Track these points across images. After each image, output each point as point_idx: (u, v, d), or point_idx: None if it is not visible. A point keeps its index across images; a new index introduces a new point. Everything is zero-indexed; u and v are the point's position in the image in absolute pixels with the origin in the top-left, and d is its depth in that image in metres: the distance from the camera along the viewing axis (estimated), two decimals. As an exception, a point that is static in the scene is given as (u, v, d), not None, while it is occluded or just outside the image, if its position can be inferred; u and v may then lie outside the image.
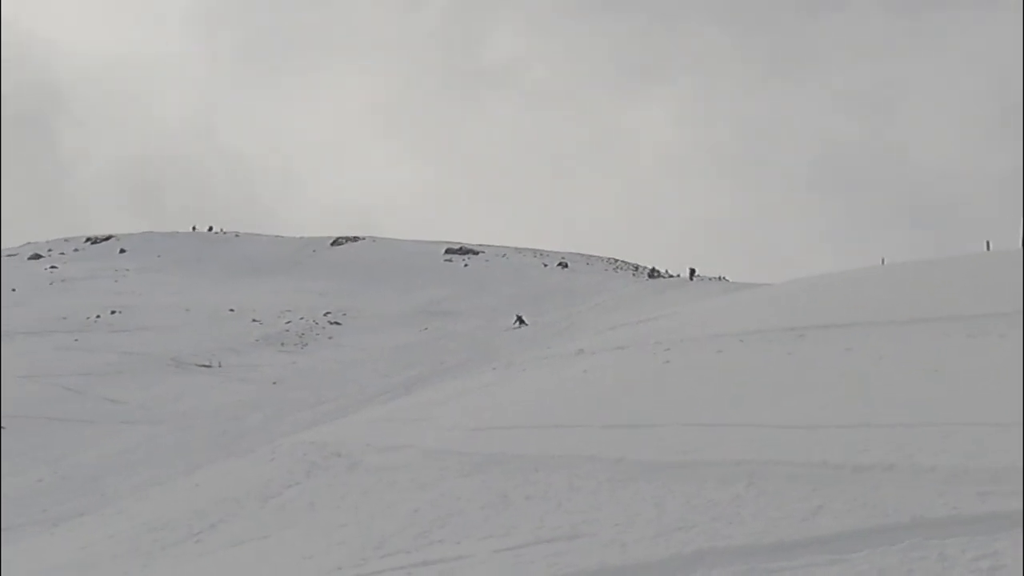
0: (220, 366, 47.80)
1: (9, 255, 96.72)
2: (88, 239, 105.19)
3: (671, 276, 79.47)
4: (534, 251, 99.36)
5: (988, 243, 41.82)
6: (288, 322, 60.39)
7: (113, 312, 61.36)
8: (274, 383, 44.09)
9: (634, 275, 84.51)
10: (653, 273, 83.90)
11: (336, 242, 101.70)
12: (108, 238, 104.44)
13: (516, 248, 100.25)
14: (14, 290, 69.67)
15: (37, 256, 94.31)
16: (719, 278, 74.85)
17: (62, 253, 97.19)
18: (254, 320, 60.62)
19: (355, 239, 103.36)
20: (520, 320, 52.89)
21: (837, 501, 8.54)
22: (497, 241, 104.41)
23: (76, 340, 52.50)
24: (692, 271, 71.34)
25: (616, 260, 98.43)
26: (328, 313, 63.84)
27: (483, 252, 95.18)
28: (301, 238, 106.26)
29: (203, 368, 47.37)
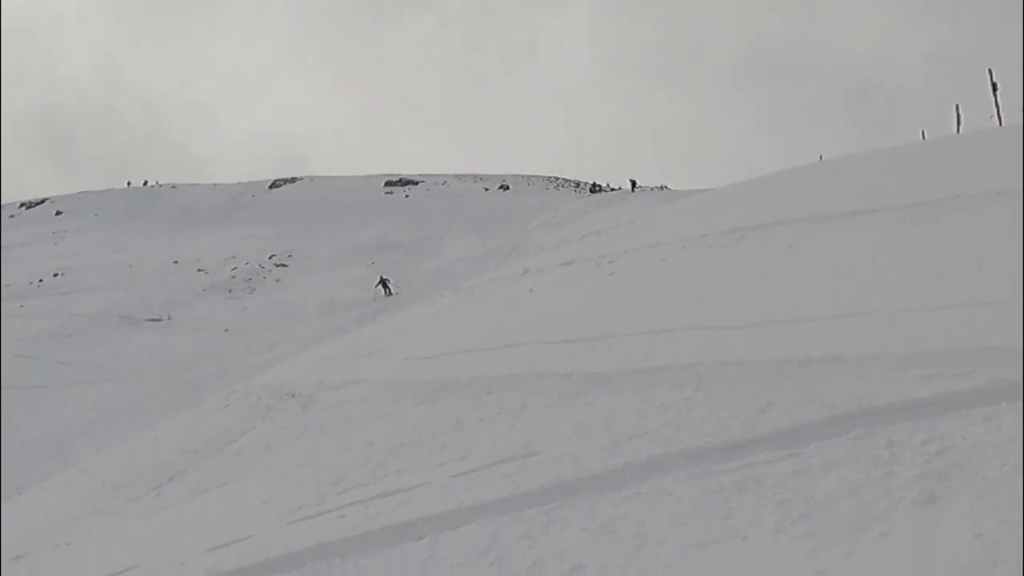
0: (170, 319, 47.64)
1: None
2: (22, 204, 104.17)
3: (613, 189, 79.43)
4: (474, 176, 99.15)
5: (923, 132, 42.13)
6: (234, 269, 60.13)
7: (56, 275, 60.86)
8: (226, 330, 44.03)
9: (576, 191, 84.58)
10: (595, 188, 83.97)
11: (274, 185, 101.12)
12: (43, 201, 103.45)
13: (456, 175, 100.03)
14: (-49, 263, 68.95)
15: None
16: (661, 187, 75.01)
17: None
18: (200, 270, 60.32)
19: (293, 180, 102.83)
20: (384, 285, 47.26)
21: (786, 396, 8.58)
22: (436, 169, 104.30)
23: (21, 306, 52.09)
24: (633, 183, 71.32)
25: (557, 178, 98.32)
26: (273, 256, 63.62)
27: (423, 182, 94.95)
28: (239, 184, 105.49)
29: (153, 322, 47.21)
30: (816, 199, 21.30)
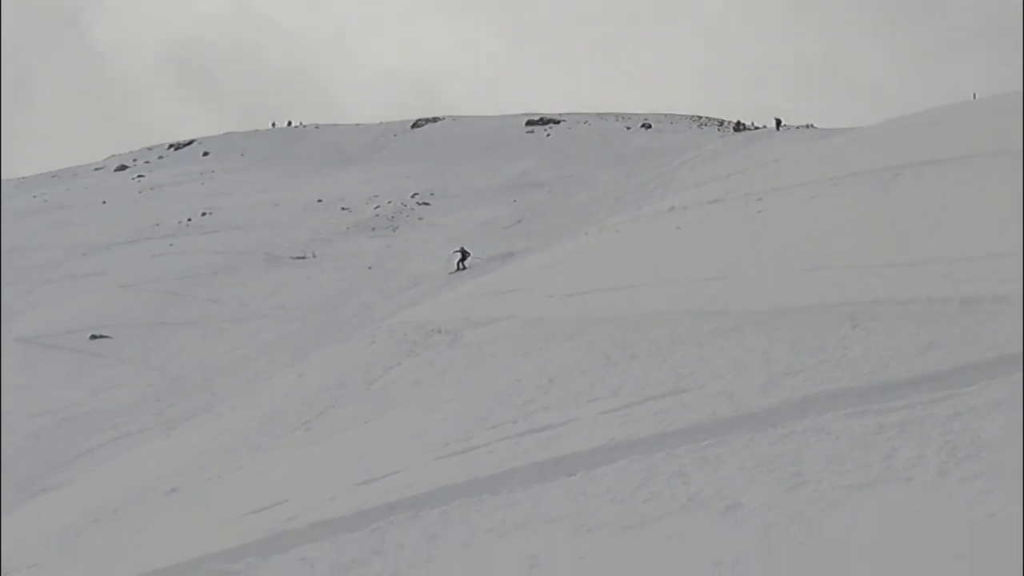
0: (314, 256, 48.17)
1: (96, 168, 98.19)
2: (171, 145, 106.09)
3: (757, 128, 78.34)
4: (616, 115, 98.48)
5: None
6: (377, 207, 60.53)
7: (204, 214, 61.88)
8: (369, 268, 44.38)
9: (719, 130, 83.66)
10: (739, 126, 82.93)
11: (416, 124, 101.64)
12: (190, 142, 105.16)
13: (598, 114, 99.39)
14: (104, 202, 70.55)
15: (123, 167, 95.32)
16: (807, 126, 73.66)
17: (147, 162, 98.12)
18: (343, 208, 60.84)
19: (435, 120, 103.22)
20: (462, 257, 39.07)
21: (947, 336, 8.35)
22: (577, 108, 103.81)
23: (171, 245, 53.10)
24: (778, 121, 70.15)
25: (700, 117, 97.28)
26: (416, 195, 63.89)
27: (564, 121, 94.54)
28: (381, 123, 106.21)
29: (298, 260, 47.78)
30: (971, 138, 20.64)
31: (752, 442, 7.22)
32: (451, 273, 35.70)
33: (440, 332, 17.34)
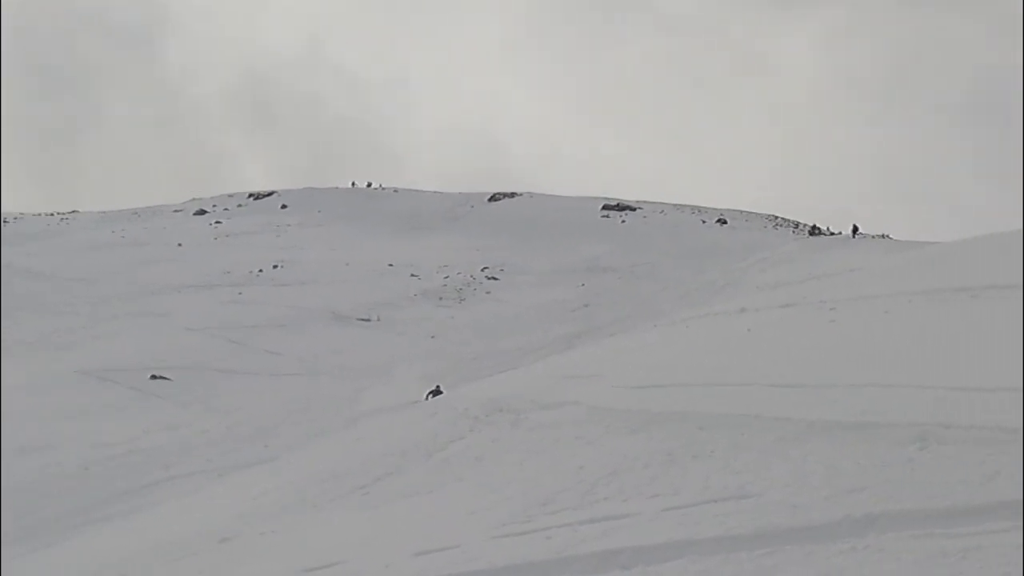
0: (379, 320, 48.58)
1: (176, 210, 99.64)
2: (251, 195, 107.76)
3: (833, 234, 78.21)
4: (692, 207, 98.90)
5: None
6: (446, 277, 61.03)
7: (275, 266, 62.68)
8: (432, 337, 44.67)
9: (794, 232, 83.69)
10: (814, 230, 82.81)
11: (493, 198, 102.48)
12: (270, 194, 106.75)
13: (674, 204, 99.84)
14: (180, 245, 71.54)
15: (202, 212, 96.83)
16: (882, 236, 73.50)
17: (226, 209, 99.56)
18: (412, 275, 61.38)
19: (512, 195, 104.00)
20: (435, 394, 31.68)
21: (1014, 466, 8.33)
22: (655, 196, 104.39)
23: (240, 294, 53.80)
24: (855, 228, 70.07)
25: (776, 217, 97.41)
26: (486, 268, 64.34)
27: (641, 209, 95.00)
28: (460, 194, 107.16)
29: (362, 322, 48.19)
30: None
31: (811, 555, 7.25)
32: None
33: (504, 411, 17.39)
